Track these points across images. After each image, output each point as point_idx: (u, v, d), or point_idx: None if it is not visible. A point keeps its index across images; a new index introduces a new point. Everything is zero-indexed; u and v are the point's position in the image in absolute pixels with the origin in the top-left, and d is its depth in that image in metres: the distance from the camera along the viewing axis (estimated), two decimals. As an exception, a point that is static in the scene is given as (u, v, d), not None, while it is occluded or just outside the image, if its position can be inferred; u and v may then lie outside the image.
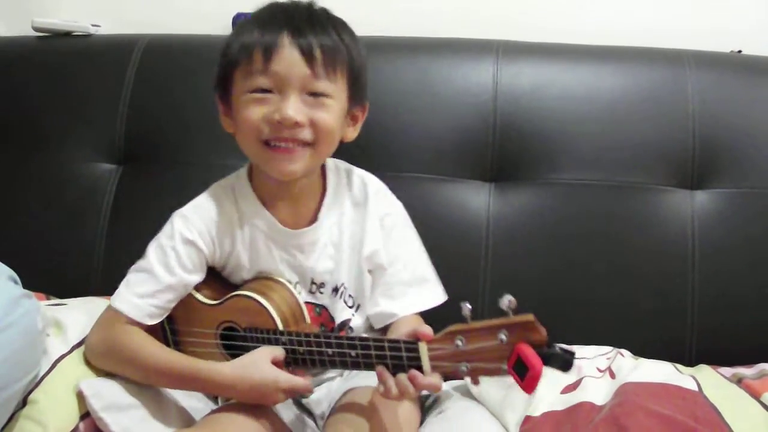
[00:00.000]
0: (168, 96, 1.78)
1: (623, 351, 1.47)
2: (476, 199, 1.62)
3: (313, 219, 1.31)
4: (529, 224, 1.61)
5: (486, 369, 0.99)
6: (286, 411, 1.25)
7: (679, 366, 1.45)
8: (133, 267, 1.28)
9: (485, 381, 1.16)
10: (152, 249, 1.27)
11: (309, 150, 1.21)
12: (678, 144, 1.61)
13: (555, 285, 1.58)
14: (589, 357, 1.42)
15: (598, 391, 1.27)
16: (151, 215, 1.69)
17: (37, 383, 1.17)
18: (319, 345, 1.15)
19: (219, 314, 1.27)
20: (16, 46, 1.92)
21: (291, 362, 1.19)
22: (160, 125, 1.77)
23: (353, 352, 1.11)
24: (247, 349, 1.21)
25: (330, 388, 1.31)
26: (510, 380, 0.97)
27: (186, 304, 1.28)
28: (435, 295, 1.34)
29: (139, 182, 1.74)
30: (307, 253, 1.30)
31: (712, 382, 1.33)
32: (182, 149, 1.74)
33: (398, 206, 1.38)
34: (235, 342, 1.25)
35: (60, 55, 1.87)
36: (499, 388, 1.26)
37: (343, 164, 1.37)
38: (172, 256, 1.25)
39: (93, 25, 1.92)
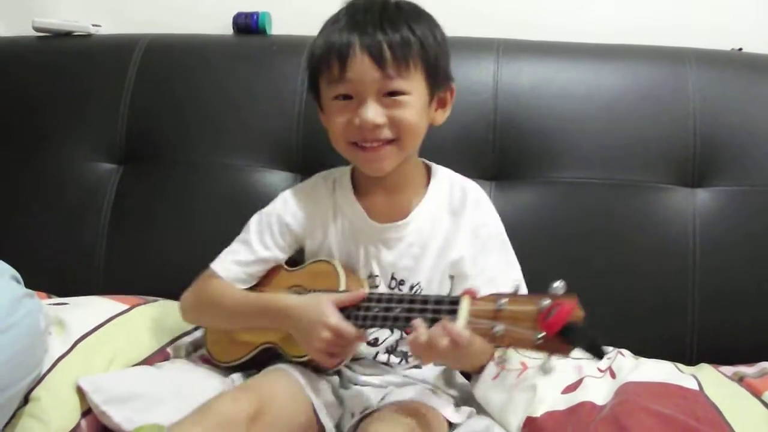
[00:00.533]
0: (169, 96, 1.78)
1: (623, 351, 1.46)
2: (477, 198, 1.63)
3: (404, 216, 1.35)
4: (530, 222, 1.61)
5: (518, 335, 0.98)
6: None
7: (680, 365, 1.45)
8: (237, 237, 1.39)
9: (491, 386, 1.17)
10: (254, 222, 1.40)
11: (394, 146, 1.27)
12: (679, 142, 1.61)
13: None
14: (589, 357, 1.41)
15: (598, 391, 1.27)
16: (152, 214, 1.71)
17: (38, 381, 1.17)
18: (370, 300, 1.18)
19: (292, 278, 1.36)
20: (17, 46, 1.92)
21: None
22: (161, 125, 1.77)
23: (398, 308, 1.13)
24: None
25: (361, 392, 1.32)
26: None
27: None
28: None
29: (140, 182, 1.74)
30: (392, 249, 1.34)
31: (713, 381, 1.33)
32: (183, 149, 1.74)
33: (496, 218, 1.39)
34: None
35: (60, 55, 1.87)
36: (501, 391, 1.26)
37: (449, 173, 1.42)
38: (267, 233, 1.37)
39: (93, 25, 1.92)
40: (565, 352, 0.95)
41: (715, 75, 1.66)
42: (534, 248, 1.59)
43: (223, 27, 1.91)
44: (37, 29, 1.91)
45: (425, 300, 1.11)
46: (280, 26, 1.90)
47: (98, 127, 1.78)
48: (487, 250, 1.34)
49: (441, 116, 1.34)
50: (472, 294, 1.06)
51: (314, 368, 1.30)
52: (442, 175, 1.40)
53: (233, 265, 1.36)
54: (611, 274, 1.58)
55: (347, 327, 1.16)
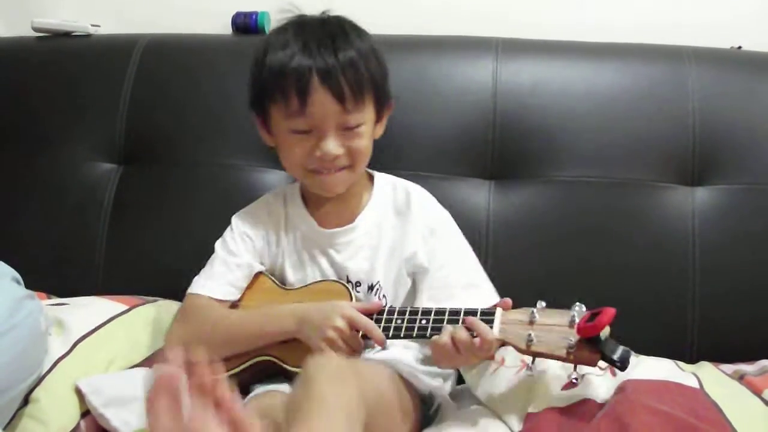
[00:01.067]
0: (168, 96, 1.78)
1: (624, 349, 1.46)
2: (476, 197, 1.63)
3: (351, 221, 1.40)
4: (529, 221, 1.61)
5: (551, 342, 1.05)
6: None
7: (680, 363, 1.44)
8: (206, 265, 1.40)
9: (490, 382, 1.18)
10: (218, 244, 1.41)
11: (348, 170, 1.34)
12: (678, 140, 1.61)
13: (555, 282, 1.58)
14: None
15: (599, 388, 1.27)
16: (152, 214, 1.71)
17: (38, 382, 1.17)
18: (391, 313, 1.22)
19: (293, 297, 1.36)
20: (16, 46, 1.92)
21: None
22: (161, 125, 1.77)
23: (424, 320, 1.18)
24: None
25: None
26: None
27: (260, 287, 1.40)
28: (486, 300, 1.33)
29: (140, 182, 1.74)
30: (343, 253, 1.38)
31: (714, 379, 1.33)
32: (182, 149, 1.74)
33: (444, 214, 1.45)
34: None
35: (60, 55, 1.87)
36: (502, 386, 1.26)
37: (391, 178, 1.47)
38: (232, 244, 1.40)
39: (93, 25, 1.92)
40: (593, 361, 1.03)
41: (714, 73, 1.66)
42: (534, 247, 1.60)
43: (222, 27, 1.91)
44: (36, 29, 1.91)
45: (455, 312, 1.16)
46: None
47: (97, 127, 1.78)
48: (443, 244, 1.40)
49: (380, 130, 1.40)
50: (504, 305, 1.14)
51: None
52: (384, 181, 1.46)
53: (209, 281, 1.36)
54: (611, 273, 1.58)
55: (363, 318, 1.20)
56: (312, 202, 1.42)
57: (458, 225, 1.43)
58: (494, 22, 1.83)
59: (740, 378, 1.34)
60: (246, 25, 1.87)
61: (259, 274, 1.41)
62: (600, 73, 1.68)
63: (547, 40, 1.76)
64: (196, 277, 1.38)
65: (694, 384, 1.28)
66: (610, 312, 1.01)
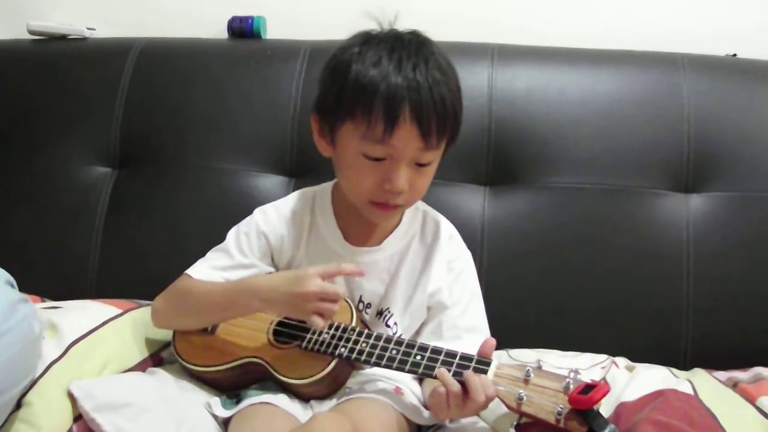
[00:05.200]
0: (163, 99, 1.78)
1: (618, 359, 1.46)
2: (471, 203, 1.63)
3: (378, 243, 1.37)
4: (524, 227, 1.61)
5: (541, 404, 1.04)
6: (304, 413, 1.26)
7: (674, 370, 1.45)
8: (213, 248, 1.39)
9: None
10: (231, 233, 1.40)
11: (404, 206, 1.32)
12: (673, 147, 1.61)
13: (550, 288, 1.59)
14: (584, 367, 1.41)
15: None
16: (147, 218, 1.71)
17: (31, 385, 1.16)
18: (388, 342, 1.20)
19: None
20: (12, 49, 1.91)
21: (349, 357, 1.21)
22: (156, 129, 1.77)
23: (419, 356, 1.16)
24: (297, 337, 1.27)
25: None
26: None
27: None
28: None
29: (135, 185, 1.74)
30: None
31: (708, 386, 1.33)
32: (178, 152, 1.74)
33: (467, 253, 1.44)
34: (289, 329, 1.29)
35: (55, 58, 1.87)
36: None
37: (422, 205, 1.44)
38: (244, 241, 1.37)
39: (88, 29, 1.92)
40: None
41: (709, 81, 1.66)
42: (528, 253, 1.60)
43: (218, 31, 1.91)
44: (32, 32, 1.91)
45: (451, 354, 1.14)
46: (274, 30, 1.90)
47: (93, 130, 1.78)
48: (461, 283, 1.38)
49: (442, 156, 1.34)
50: (488, 347, 1.13)
51: (301, 398, 1.27)
52: (416, 208, 1.42)
53: (210, 269, 1.35)
54: (605, 280, 1.58)
55: (329, 267, 1.20)
56: (342, 215, 1.38)
57: (454, 231, 1.43)
58: (490, 29, 1.84)
59: (734, 385, 1.35)
60: (242, 29, 1.87)
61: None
62: (595, 80, 1.68)
63: (543, 46, 1.76)
64: (200, 260, 1.38)
65: (689, 391, 1.28)
66: (604, 388, 1.00)
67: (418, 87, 1.17)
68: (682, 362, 1.53)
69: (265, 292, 1.23)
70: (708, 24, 1.85)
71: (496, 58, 1.69)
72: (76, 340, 1.28)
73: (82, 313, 1.39)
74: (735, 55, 1.79)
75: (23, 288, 1.24)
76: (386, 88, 1.17)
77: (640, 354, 1.49)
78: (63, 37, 1.91)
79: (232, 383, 1.29)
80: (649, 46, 1.75)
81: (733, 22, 1.85)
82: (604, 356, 1.46)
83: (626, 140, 1.63)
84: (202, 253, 1.39)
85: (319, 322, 1.17)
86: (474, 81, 1.67)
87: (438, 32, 1.81)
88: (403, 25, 1.73)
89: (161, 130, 1.76)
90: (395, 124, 1.17)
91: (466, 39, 1.76)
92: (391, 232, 1.37)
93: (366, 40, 1.25)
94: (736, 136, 1.62)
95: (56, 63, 1.85)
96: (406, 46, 1.22)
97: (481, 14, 1.89)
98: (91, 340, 1.30)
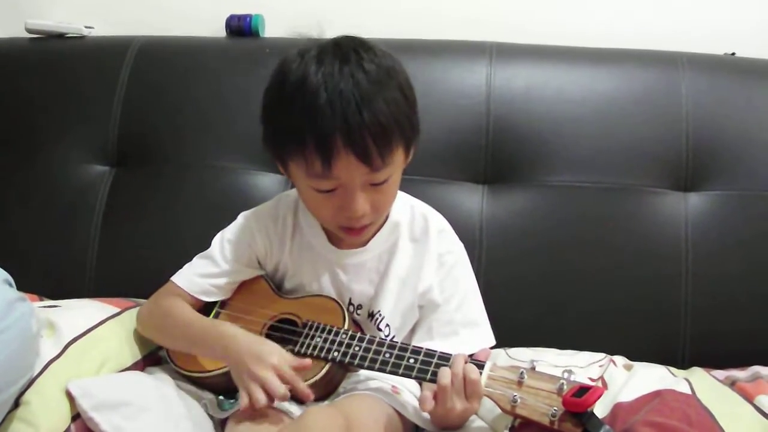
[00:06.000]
0: (162, 98, 1.77)
1: (616, 358, 1.46)
2: (469, 202, 1.63)
3: (364, 243, 1.34)
4: (523, 226, 1.61)
5: (534, 406, 1.04)
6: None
7: (672, 369, 1.45)
8: (198, 255, 1.40)
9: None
10: (216, 240, 1.39)
11: (374, 223, 1.29)
12: (671, 146, 1.61)
13: (548, 287, 1.59)
14: (582, 366, 1.41)
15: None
16: (145, 217, 1.71)
17: (29, 384, 1.16)
18: (381, 345, 1.20)
19: (284, 306, 1.34)
20: (10, 47, 1.91)
21: (342, 361, 1.21)
22: (154, 127, 1.76)
23: (412, 359, 1.16)
24: (289, 341, 1.26)
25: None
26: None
27: (254, 288, 1.39)
28: (484, 339, 1.35)
29: (133, 184, 1.74)
30: (350, 275, 1.34)
31: (706, 385, 1.33)
32: (176, 151, 1.74)
33: (459, 246, 1.41)
34: (281, 333, 1.29)
35: (53, 56, 1.86)
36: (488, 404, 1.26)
37: (409, 200, 1.41)
38: (228, 248, 1.37)
39: (86, 27, 1.91)
40: None
41: (708, 79, 1.66)
42: (527, 252, 1.60)
43: (216, 29, 1.91)
44: (29, 31, 1.90)
45: (444, 357, 1.14)
46: (272, 29, 1.90)
47: (91, 129, 1.77)
48: (453, 277, 1.36)
49: (408, 160, 1.28)
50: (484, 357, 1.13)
51: (297, 400, 1.25)
52: (402, 202, 1.38)
53: (196, 277, 1.36)
54: (603, 278, 1.58)
55: (290, 372, 1.16)
56: None
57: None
58: (488, 27, 1.84)
59: (732, 384, 1.35)
60: (240, 27, 1.87)
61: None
62: (594, 79, 1.68)
63: (542, 45, 1.76)
64: (186, 265, 1.38)
65: (686, 390, 1.28)
66: (599, 391, 1.00)
67: (345, 114, 1.11)
68: (680, 361, 1.53)
69: (228, 348, 1.22)
70: (707, 23, 1.85)
71: (494, 57, 1.69)
72: (74, 338, 1.28)
73: (80, 312, 1.39)
74: (734, 54, 1.79)
75: (21, 287, 1.24)
76: (313, 125, 1.13)
77: (638, 352, 1.50)
78: (61, 36, 1.90)
79: (224, 387, 1.28)
80: (648, 44, 1.75)
81: (732, 21, 1.85)
82: (602, 355, 1.46)
83: (625, 139, 1.63)
84: (200, 252, 1.40)
85: (243, 399, 1.16)
86: (472, 80, 1.67)
87: (436, 31, 1.83)
88: (402, 25, 1.73)
89: (159, 128, 1.76)
90: (331, 158, 1.13)
91: (464, 37, 1.77)
92: (377, 232, 1.35)
93: (292, 61, 1.19)
94: (735, 135, 1.62)
95: (54, 61, 1.85)
96: (330, 61, 1.15)
97: (479, 13, 1.89)
98: (89, 339, 1.30)
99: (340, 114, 1.11)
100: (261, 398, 1.14)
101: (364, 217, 1.22)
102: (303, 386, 1.17)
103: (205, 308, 1.38)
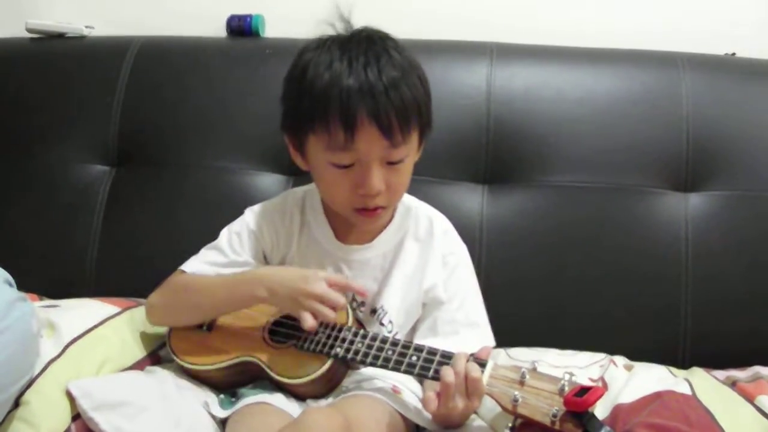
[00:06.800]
0: (162, 98, 1.77)
1: (616, 358, 1.46)
2: (470, 202, 1.63)
3: (369, 240, 1.37)
4: (523, 226, 1.61)
5: (535, 406, 1.04)
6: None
7: (673, 369, 1.45)
8: (205, 246, 1.40)
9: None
10: (224, 233, 1.41)
11: (388, 208, 1.30)
12: (671, 146, 1.61)
13: (548, 287, 1.59)
14: (582, 366, 1.41)
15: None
16: (145, 217, 1.71)
17: (29, 384, 1.16)
18: (384, 342, 1.19)
19: None
20: (10, 47, 1.91)
21: (345, 357, 1.21)
22: (154, 127, 1.76)
23: (415, 357, 1.16)
24: (292, 337, 1.26)
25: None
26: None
27: None
28: (484, 339, 1.35)
29: (133, 184, 1.74)
30: (355, 271, 1.36)
31: (706, 386, 1.33)
32: (176, 151, 1.74)
33: (463, 247, 1.43)
34: (285, 329, 1.29)
35: (53, 56, 1.87)
36: (489, 404, 1.26)
37: (414, 201, 1.43)
38: (236, 240, 1.38)
39: (86, 27, 1.91)
40: None
41: (708, 80, 1.66)
42: (527, 252, 1.60)
43: (216, 29, 1.91)
44: (30, 30, 1.90)
45: (447, 355, 1.14)
46: (273, 29, 1.90)
47: (91, 128, 1.77)
48: (456, 277, 1.38)
49: (417, 155, 1.33)
50: (485, 353, 1.13)
51: (298, 398, 1.26)
52: (409, 203, 1.41)
53: (204, 264, 1.36)
54: (603, 278, 1.58)
55: (338, 276, 1.22)
56: (333, 213, 1.37)
57: (451, 229, 1.43)
58: (489, 27, 1.84)
59: (732, 384, 1.35)
60: (240, 28, 1.87)
61: None
62: (594, 79, 1.68)
63: (542, 45, 1.76)
64: (193, 257, 1.38)
65: (687, 390, 1.28)
66: (599, 391, 1.01)
67: (371, 87, 1.17)
68: (680, 361, 1.53)
69: (271, 282, 1.24)
70: (707, 23, 1.85)
71: (494, 57, 1.69)
72: (75, 338, 1.28)
73: (80, 312, 1.39)
74: (734, 54, 1.79)
75: (21, 286, 1.24)
76: (338, 95, 1.17)
77: (638, 353, 1.50)
78: (61, 36, 1.90)
79: (227, 382, 1.29)
80: (647, 45, 1.75)
81: (731, 21, 1.85)
82: (602, 355, 1.46)
83: (625, 139, 1.63)
84: (198, 252, 1.40)
85: (308, 320, 1.18)
86: (472, 80, 1.67)
87: (436, 31, 1.83)
88: (402, 24, 1.73)
89: (159, 128, 1.76)
90: (354, 129, 1.17)
91: (464, 38, 1.77)
92: (383, 230, 1.37)
93: (317, 45, 1.24)
94: (735, 135, 1.62)
95: (54, 61, 1.85)
96: (355, 46, 1.21)
97: (479, 13, 1.89)
98: (90, 339, 1.30)
99: (367, 90, 1.16)
100: (328, 313, 1.19)
101: (379, 197, 1.24)
102: (357, 286, 1.27)
103: None
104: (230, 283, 1.30)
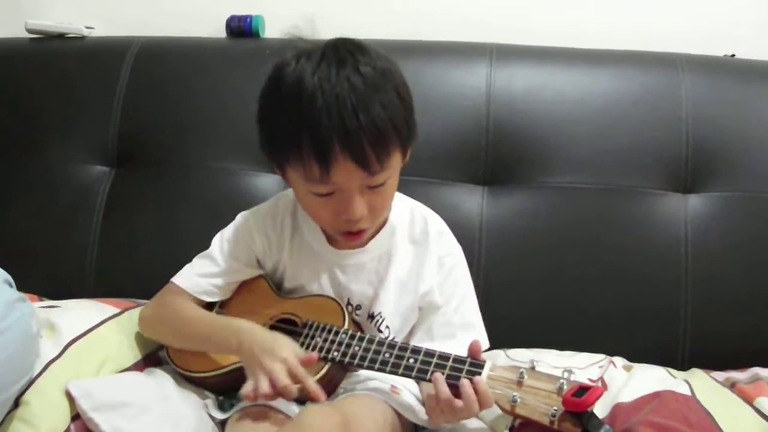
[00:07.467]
0: (162, 98, 1.77)
1: (616, 359, 1.46)
2: (469, 202, 1.63)
3: (363, 244, 1.33)
4: (522, 227, 1.61)
5: (534, 406, 1.04)
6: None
7: (672, 370, 1.45)
8: (198, 255, 1.40)
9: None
10: (215, 240, 1.39)
11: (372, 226, 1.28)
12: (671, 147, 1.61)
13: (548, 288, 1.59)
14: (581, 367, 1.41)
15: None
16: (145, 217, 1.71)
17: (29, 384, 1.16)
18: (381, 345, 1.19)
19: (284, 305, 1.34)
20: (10, 47, 1.91)
21: (342, 361, 1.21)
22: (154, 127, 1.76)
23: (412, 359, 1.16)
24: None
25: None
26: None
27: (254, 288, 1.39)
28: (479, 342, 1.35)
29: (133, 184, 1.74)
30: (349, 275, 1.34)
31: (705, 387, 1.33)
32: (176, 151, 1.74)
33: (458, 248, 1.40)
34: (281, 333, 1.28)
35: (53, 56, 1.87)
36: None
37: (408, 201, 1.41)
38: (228, 248, 1.37)
39: (87, 27, 1.92)
40: None
41: (707, 81, 1.66)
42: (527, 253, 1.60)
43: (216, 30, 1.91)
44: (30, 31, 1.91)
45: (444, 357, 1.14)
46: (273, 30, 1.90)
47: (91, 129, 1.78)
48: (452, 279, 1.36)
49: (406, 159, 1.27)
50: (475, 349, 1.13)
51: (297, 399, 1.24)
52: (402, 204, 1.38)
53: (197, 277, 1.36)
54: (603, 279, 1.58)
55: (301, 369, 1.15)
56: None
57: (451, 230, 1.42)
58: (488, 28, 1.84)
59: (731, 386, 1.35)
60: (240, 28, 1.87)
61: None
62: (594, 80, 1.68)
63: (542, 46, 1.76)
64: (186, 266, 1.38)
65: (686, 391, 1.28)
66: (598, 390, 1.01)
67: (342, 118, 1.10)
68: (679, 362, 1.53)
69: (245, 337, 1.21)
70: (706, 24, 1.85)
71: (494, 58, 1.69)
72: (74, 339, 1.28)
73: (80, 313, 1.39)
74: (733, 55, 1.79)
75: (21, 287, 1.24)
76: (310, 131, 1.12)
77: (637, 354, 1.50)
78: (61, 36, 1.91)
79: (225, 387, 1.29)
80: (647, 46, 1.76)
81: (731, 22, 1.85)
82: (601, 356, 1.47)
83: (624, 140, 1.63)
84: (200, 252, 1.40)
85: (264, 385, 1.14)
86: (472, 81, 1.67)
87: (436, 32, 1.83)
88: (402, 25, 1.73)
89: (159, 129, 1.76)
90: (329, 164, 1.12)
91: (464, 39, 1.77)
92: (377, 233, 1.34)
93: (286, 65, 1.18)
94: (735, 137, 1.62)
95: (54, 62, 1.85)
96: (326, 67, 1.14)
97: (479, 14, 1.89)
98: (89, 340, 1.30)
99: (336, 119, 1.10)
100: (264, 387, 1.13)
101: (362, 221, 1.22)
102: (313, 385, 1.15)
103: (205, 308, 1.37)
104: (215, 324, 1.29)
